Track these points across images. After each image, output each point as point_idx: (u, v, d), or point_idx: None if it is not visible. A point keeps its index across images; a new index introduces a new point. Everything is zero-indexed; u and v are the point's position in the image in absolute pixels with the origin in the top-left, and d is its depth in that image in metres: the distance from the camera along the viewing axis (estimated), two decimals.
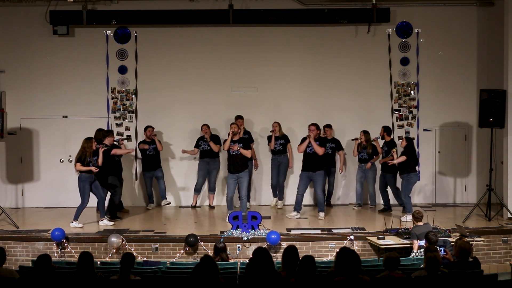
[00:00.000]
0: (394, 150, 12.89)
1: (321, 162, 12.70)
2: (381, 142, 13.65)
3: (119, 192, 13.17)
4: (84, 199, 12.17)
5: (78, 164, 12.01)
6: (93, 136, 12.40)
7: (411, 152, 12.68)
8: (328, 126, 13.90)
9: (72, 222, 12.17)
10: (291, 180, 14.17)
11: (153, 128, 13.80)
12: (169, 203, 13.98)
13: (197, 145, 13.94)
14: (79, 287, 7.60)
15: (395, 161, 12.68)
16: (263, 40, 14.41)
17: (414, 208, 12.13)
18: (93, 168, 12.04)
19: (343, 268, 7.43)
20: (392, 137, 13.66)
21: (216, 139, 13.88)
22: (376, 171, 13.77)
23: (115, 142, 13.07)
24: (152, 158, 13.83)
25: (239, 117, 13.85)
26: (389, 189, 13.56)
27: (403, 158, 12.58)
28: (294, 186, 13.21)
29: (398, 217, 12.66)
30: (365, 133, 13.65)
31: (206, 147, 13.81)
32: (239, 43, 14.42)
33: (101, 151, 12.15)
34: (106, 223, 12.31)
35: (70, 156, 14.04)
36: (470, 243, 9.74)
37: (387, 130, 13.57)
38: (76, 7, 13.96)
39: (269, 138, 13.89)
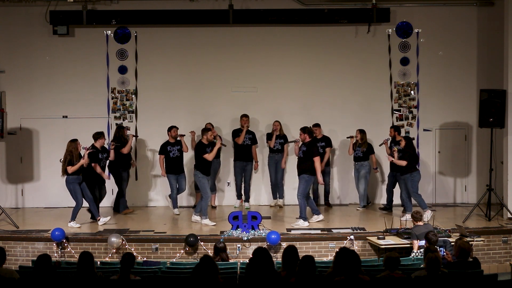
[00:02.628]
0: (396, 148, 12.84)
1: (304, 167, 12.09)
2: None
3: (125, 187, 13.38)
4: (78, 200, 12.21)
5: (69, 167, 12.03)
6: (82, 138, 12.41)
7: (410, 154, 12.58)
8: (317, 125, 13.77)
9: (70, 222, 12.22)
10: (289, 178, 14.16)
11: (177, 128, 13.39)
12: (178, 214, 13.46)
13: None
14: (79, 287, 7.61)
15: (396, 161, 12.64)
16: (263, 40, 14.41)
17: (414, 209, 12.10)
18: (85, 160, 12.04)
19: (341, 269, 7.45)
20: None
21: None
22: (370, 170, 13.74)
23: (105, 145, 12.73)
24: (176, 160, 13.33)
25: (243, 116, 13.85)
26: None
27: (403, 162, 12.47)
28: (291, 184, 13.15)
29: (398, 217, 12.65)
30: (361, 131, 13.64)
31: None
32: (239, 43, 14.42)
33: (86, 152, 12.16)
34: (104, 220, 12.37)
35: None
36: (470, 243, 9.74)
37: (397, 130, 13.54)
38: (76, 7, 13.96)
39: (269, 135, 13.89)
